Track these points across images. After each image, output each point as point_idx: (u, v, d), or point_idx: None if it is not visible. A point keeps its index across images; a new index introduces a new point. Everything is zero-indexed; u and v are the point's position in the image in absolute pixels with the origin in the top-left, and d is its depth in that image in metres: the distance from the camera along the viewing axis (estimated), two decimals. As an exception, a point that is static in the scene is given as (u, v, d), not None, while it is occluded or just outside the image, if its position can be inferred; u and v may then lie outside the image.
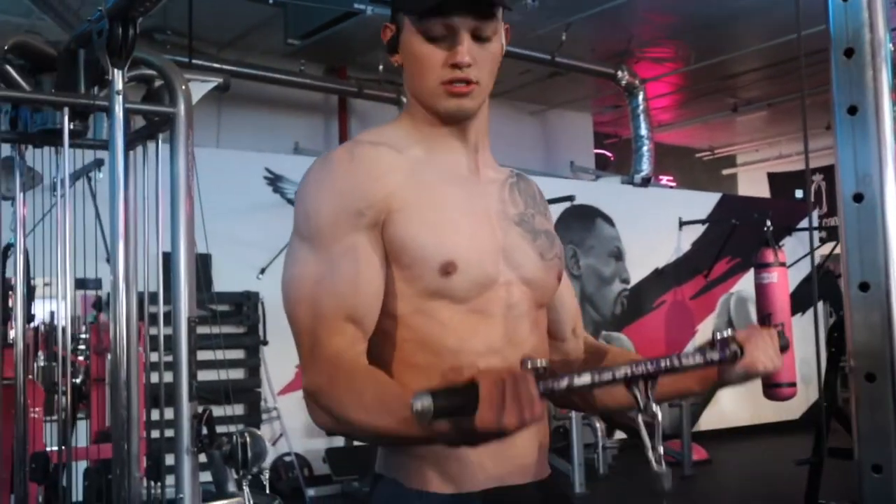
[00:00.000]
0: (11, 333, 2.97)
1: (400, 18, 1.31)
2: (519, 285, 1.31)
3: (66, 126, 2.78)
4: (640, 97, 8.94)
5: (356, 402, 1.13)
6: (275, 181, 6.74)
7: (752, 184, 12.80)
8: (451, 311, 1.25)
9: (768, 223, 7.61)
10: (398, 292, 1.25)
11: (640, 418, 1.14)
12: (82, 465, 3.08)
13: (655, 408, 1.13)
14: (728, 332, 1.23)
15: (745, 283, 8.88)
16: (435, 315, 1.24)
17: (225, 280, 6.15)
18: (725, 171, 13.18)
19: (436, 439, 1.04)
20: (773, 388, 7.65)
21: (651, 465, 1.13)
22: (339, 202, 1.22)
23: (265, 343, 6.53)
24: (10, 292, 2.99)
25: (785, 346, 1.30)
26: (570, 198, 7.30)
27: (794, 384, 7.47)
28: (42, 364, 3.70)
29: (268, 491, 3.70)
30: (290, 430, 6.46)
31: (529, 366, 1.03)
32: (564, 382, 1.06)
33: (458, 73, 1.27)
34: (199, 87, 3.18)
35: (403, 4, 1.30)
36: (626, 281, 8.51)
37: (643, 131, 9.05)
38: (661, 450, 1.14)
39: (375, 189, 1.24)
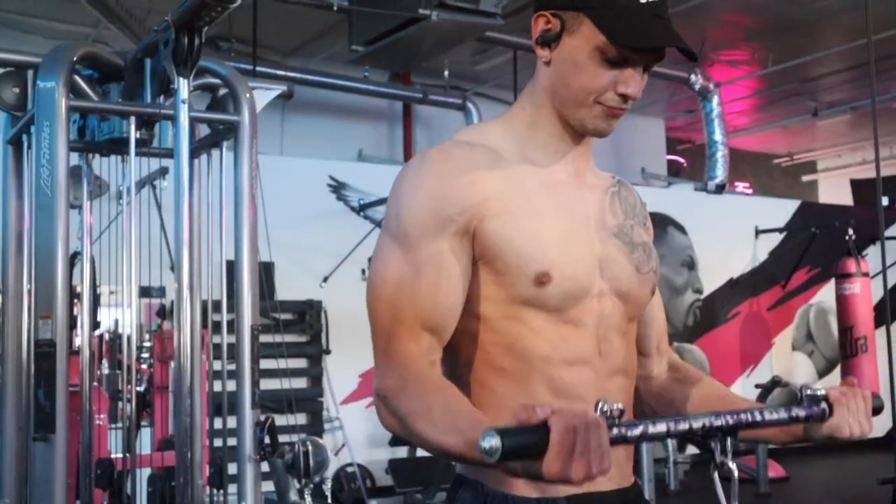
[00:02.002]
0: (77, 341, 3.00)
1: (572, 20, 1.22)
2: (612, 297, 1.28)
3: (133, 135, 2.81)
4: (715, 101, 8.71)
5: (424, 415, 1.11)
6: (338, 189, 6.75)
7: (834, 191, 12.37)
8: (543, 319, 1.22)
9: (850, 231, 7.35)
10: (488, 295, 1.23)
11: (715, 475, 1.08)
12: (146, 472, 3.10)
13: (733, 465, 1.06)
14: (819, 391, 1.17)
15: (826, 294, 8.59)
16: (525, 322, 1.22)
17: (288, 288, 6.15)
18: (805, 178, 12.77)
19: (498, 467, 1.00)
20: (855, 403, 7.37)
21: None
22: (430, 206, 1.20)
23: (328, 352, 6.52)
24: (76, 300, 3.02)
25: (879, 409, 1.23)
26: (640, 205, 7.14)
27: (877, 400, 7.19)
28: (106, 372, 3.75)
29: (329, 501, 3.69)
30: (353, 440, 6.45)
31: (604, 408, 0.98)
32: (638, 431, 1.01)
33: (622, 104, 1.24)
34: (263, 96, 3.18)
35: (602, 22, 1.20)
36: (698, 291, 8.29)
37: (718, 136, 8.81)
38: None
39: (469, 194, 1.21)
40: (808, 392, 1.17)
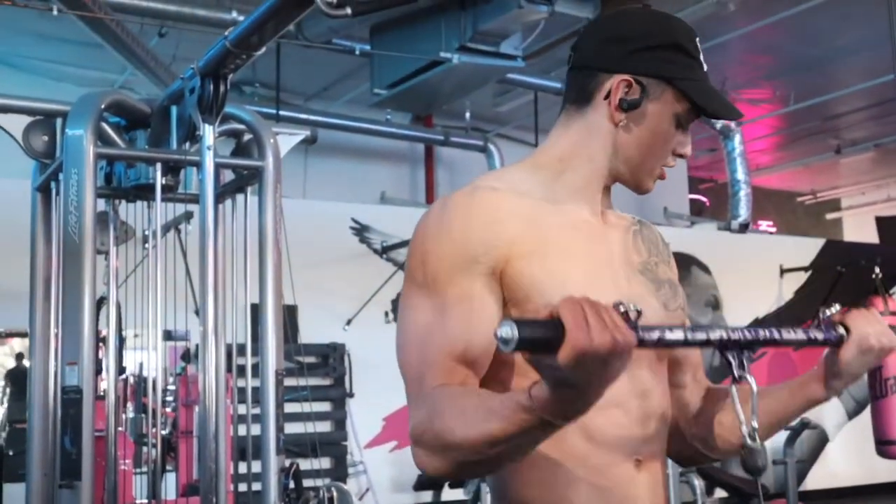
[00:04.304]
0: (102, 385, 3.00)
1: (654, 87, 1.26)
2: None
3: (159, 181, 2.84)
4: (737, 140, 8.70)
5: (460, 422, 1.07)
6: (361, 231, 6.76)
7: (859, 228, 12.26)
8: None
9: (877, 270, 7.26)
10: None
11: (734, 388, 1.11)
12: (170, 518, 3.09)
13: (751, 379, 1.09)
14: (833, 310, 1.21)
15: (854, 333, 8.45)
16: None
17: (311, 331, 6.13)
18: (829, 216, 12.68)
19: (539, 423, 0.97)
20: (886, 445, 7.20)
21: (745, 440, 1.10)
22: (455, 247, 1.17)
23: (351, 395, 6.47)
24: (101, 344, 3.03)
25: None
26: (663, 245, 7.11)
27: (910, 441, 7.04)
28: (131, 416, 3.74)
29: (354, 547, 3.64)
30: (377, 484, 6.38)
31: (621, 308, 0.97)
32: (655, 335, 1.00)
33: (673, 163, 1.32)
34: (287, 141, 3.21)
35: (694, 94, 1.26)
36: (724, 331, 8.21)
37: (740, 175, 8.78)
38: (756, 423, 1.10)
39: (494, 234, 1.19)
40: (824, 316, 1.20)
